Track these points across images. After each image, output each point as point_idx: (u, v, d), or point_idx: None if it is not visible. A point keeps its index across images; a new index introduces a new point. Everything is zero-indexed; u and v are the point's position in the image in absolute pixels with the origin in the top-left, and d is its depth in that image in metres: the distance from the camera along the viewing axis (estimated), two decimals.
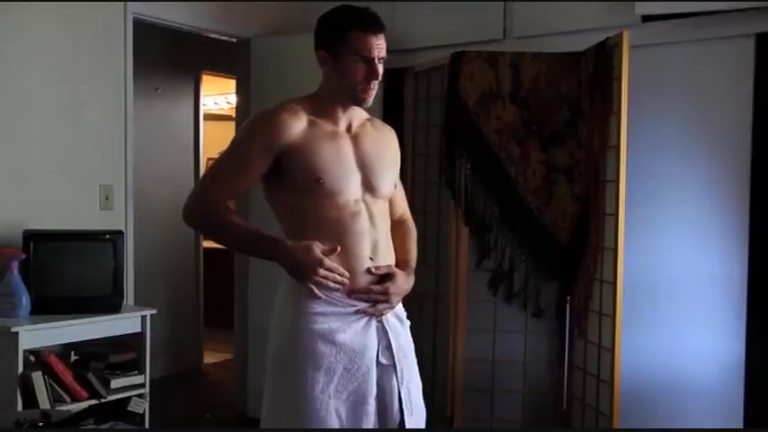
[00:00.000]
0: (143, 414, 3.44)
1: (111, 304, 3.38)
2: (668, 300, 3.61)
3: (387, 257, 2.08)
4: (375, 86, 2.03)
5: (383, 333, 2.06)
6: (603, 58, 3.30)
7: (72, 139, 3.63)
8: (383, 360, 2.05)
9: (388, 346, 2.06)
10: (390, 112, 4.21)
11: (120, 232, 3.49)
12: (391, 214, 2.19)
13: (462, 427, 3.66)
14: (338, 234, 2.00)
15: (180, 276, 5.60)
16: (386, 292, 2.02)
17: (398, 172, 2.22)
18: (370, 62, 1.98)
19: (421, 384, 2.20)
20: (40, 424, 1.96)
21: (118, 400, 3.34)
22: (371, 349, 2.03)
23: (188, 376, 5.50)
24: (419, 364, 3.98)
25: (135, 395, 3.43)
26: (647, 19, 3.54)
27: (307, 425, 1.97)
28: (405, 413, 2.07)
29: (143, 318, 3.48)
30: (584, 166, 3.48)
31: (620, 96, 3.18)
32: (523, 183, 3.60)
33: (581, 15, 3.71)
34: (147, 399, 3.46)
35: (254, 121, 2.07)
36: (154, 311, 3.54)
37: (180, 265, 5.60)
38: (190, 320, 5.66)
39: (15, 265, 3.15)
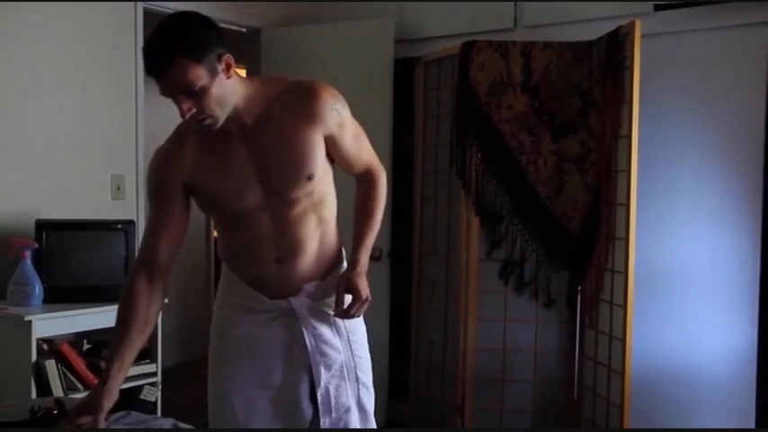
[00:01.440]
0: (155, 402, 3.47)
1: None
2: (680, 290, 3.60)
3: (301, 259, 1.98)
4: (203, 115, 1.78)
5: (298, 332, 2.01)
6: (615, 48, 3.28)
7: (83, 129, 3.65)
8: (296, 358, 2.02)
9: (303, 347, 2.01)
10: (401, 101, 4.21)
11: (132, 222, 3.51)
12: (353, 174, 2.09)
13: (472, 415, 3.66)
14: (242, 242, 2.01)
15: (191, 266, 5.62)
16: (348, 311, 1.95)
17: (342, 139, 1.97)
18: (175, 101, 1.77)
19: (363, 387, 2.10)
20: (55, 412, 1.97)
21: (130, 388, 3.37)
22: (277, 345, 2.02)
23: (199, 365, 5.52)
24: (429, 352, 3.99)
25: (147, 383, 3.45)
26: (659, 8, 3.51)
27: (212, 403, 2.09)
28: (320, 412, 2.02)
29: None
30: (595, 155, 3.47)
31: (631, 86, 3.16)
32: (534, 172, 3.59)
33: (592, 4, 3.68)
34: (159, 387, 3.49)
35: (148, 167, 2.01)
36: (165, 301, 3.53)
37: (191, 254, 5.62)
38: (201, 310, 5.68)
39: (28, 255, 3.18)
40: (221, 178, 1.92)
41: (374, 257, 4.26)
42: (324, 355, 2.02)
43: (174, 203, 1.96)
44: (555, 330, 3.66)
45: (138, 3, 3.80)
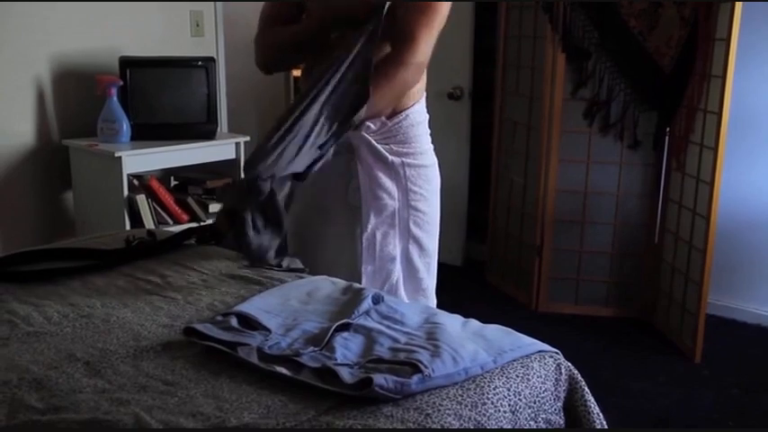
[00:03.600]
0: None
1: (206, 131, 3.45)
2: None
3: None
4: None
5: (355, 171, 1.93)
6: None
7: None
8: (351, 199, 1.94)
9: (357, 187, 1.93)
10: None
11: (212, 59, 3.50)
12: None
13: (550, 256, 3.68)
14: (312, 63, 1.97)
15: (270, 104, 5.64)
16: None
17: None
18: None
19: (414, 242, 1.99)
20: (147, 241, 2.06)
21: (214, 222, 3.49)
22: (334, 184, 1.94)
23: None
24: (509, 192, 3.97)
25: None
26: None
27: None
28: (363, 258, 1.94)
29: (237, 145, 3.56)
30: None
31: None
32: (627, 5, 3.37)
33: None
34: None
35: None
36: (247, 138, 3.60)
37: (269, 91, 5.62)
38: None
39: (114, 92, 3.23)
40: None
41: (455, 97, 4.18)
42: (376, 198, 1.93)
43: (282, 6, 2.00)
44: (639, 173, 3.57)
45: None
